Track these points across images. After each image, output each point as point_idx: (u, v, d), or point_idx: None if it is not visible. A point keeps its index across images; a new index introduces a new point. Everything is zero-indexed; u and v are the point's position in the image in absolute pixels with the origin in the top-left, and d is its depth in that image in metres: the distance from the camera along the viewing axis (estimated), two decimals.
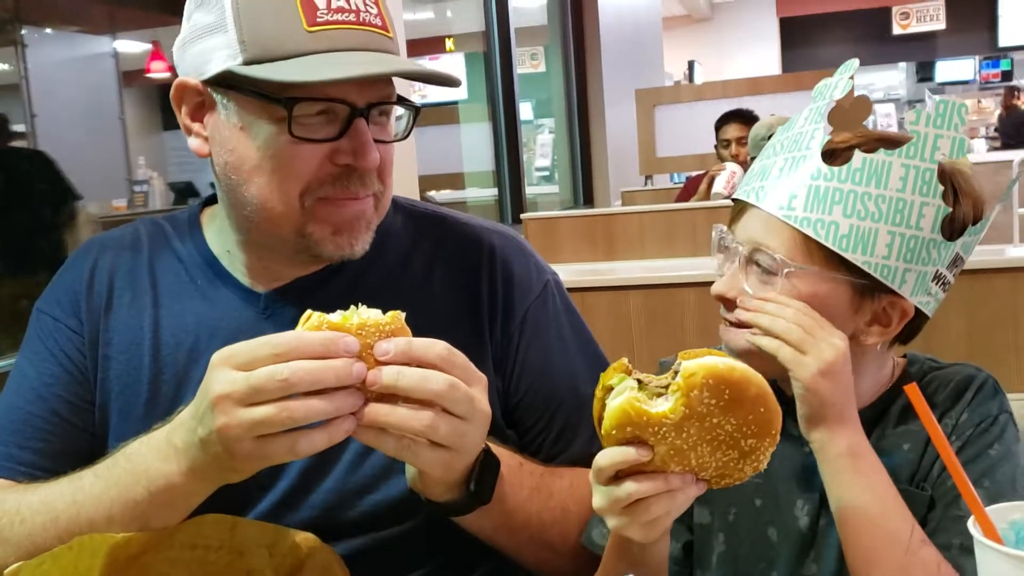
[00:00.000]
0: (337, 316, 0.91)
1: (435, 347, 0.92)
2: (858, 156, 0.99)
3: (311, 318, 0.91)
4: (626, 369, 0.89)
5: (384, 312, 0.93)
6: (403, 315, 0.93)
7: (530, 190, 7.80)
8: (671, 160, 6.46)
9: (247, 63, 1.06)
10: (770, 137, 1.15)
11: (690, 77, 12.99)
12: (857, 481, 0.98)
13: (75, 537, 0.96)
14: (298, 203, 1.10)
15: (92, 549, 0.95)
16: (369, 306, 1.21)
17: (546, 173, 8.99)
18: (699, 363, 0.85)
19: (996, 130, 12.26)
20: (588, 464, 1.22)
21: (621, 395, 0.87)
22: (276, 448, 0.89)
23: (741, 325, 1.06)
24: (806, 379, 0.98)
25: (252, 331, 1.17)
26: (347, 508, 1.14)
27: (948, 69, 15.59)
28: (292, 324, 1.19)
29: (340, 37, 1.06)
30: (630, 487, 0.88)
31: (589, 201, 7.61)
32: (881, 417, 1.11)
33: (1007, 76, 15.19)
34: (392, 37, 1.12)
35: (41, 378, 1.21)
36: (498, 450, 1.08)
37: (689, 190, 5.15)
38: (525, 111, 8.65)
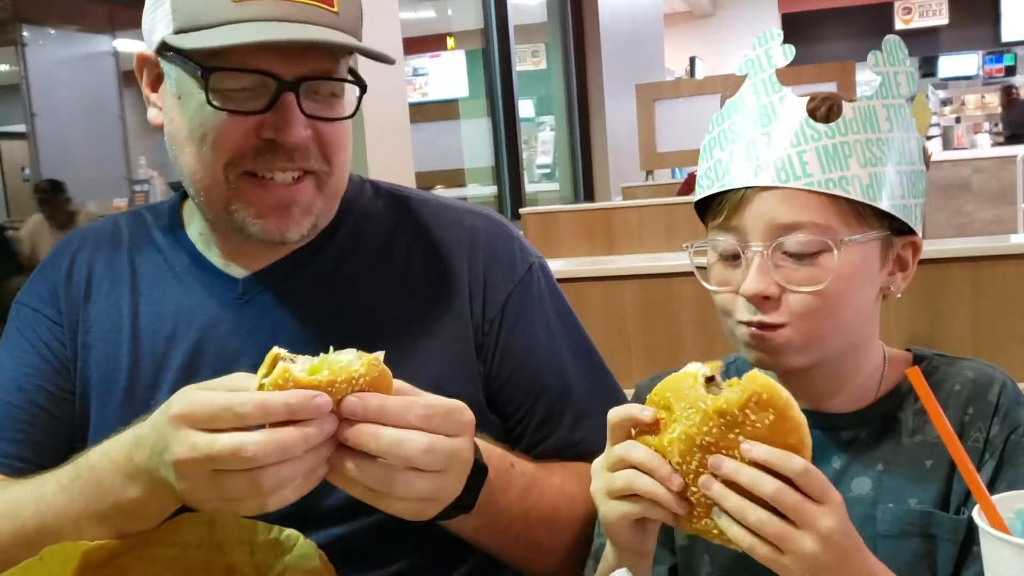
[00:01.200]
0: (303, 366, 0.85)
1: (411, 411, 0.87)
2: (847, 106, 0.96)
3: (275, 369, 0.85)
4: (717, 368, 0.88)
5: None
6: (380, 357, 0.88)
7: (531, 187, 7.78)
8: (672, 155, 6.43)
9: (176, 32, 1.05)
10: None
11: (691, 73, 12.95)
12: None
13: (44, 546, 0.93)
14: (223, 176, 1.09)
15: (63, 557, 0.92)
16: (349, 293, 1.19)
17: (548, 171, 8.97)
18: (763, 376, 0.83)
19: (998, 125, 12.20)
20: (571, 452, 1.20)
21: (691, 369, 0.88)
22: (245, 508, 0.86)
23: (765, 327, 0.96)
24: None
25: (230, 317, 1.18)
26: (324, 495, 1.12)
27: (951, 64, 15.53)
28: (270, 310, 1.17)
29: (269, 8, 1.04)
30: (629, 474, 0.87)
31: (589, 197, 7.58)
32: (891, 423, 1.02)
33: (1010, 71, 15.14)
34: (337, 12, 1.09)
35: (21, 369, 1.19)
36: (489, 452, 1.05)
37: (691, 184, 5.12)
38: (526, 108, 8.63)
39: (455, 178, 7.53)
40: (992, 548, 0.72)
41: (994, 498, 0.75)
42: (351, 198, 1.24)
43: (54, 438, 1.17)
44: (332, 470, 0.87)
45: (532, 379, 1.21)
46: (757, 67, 1.00)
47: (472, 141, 7.40)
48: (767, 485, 0.80)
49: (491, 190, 6.72)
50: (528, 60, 8.90)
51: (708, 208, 1.03)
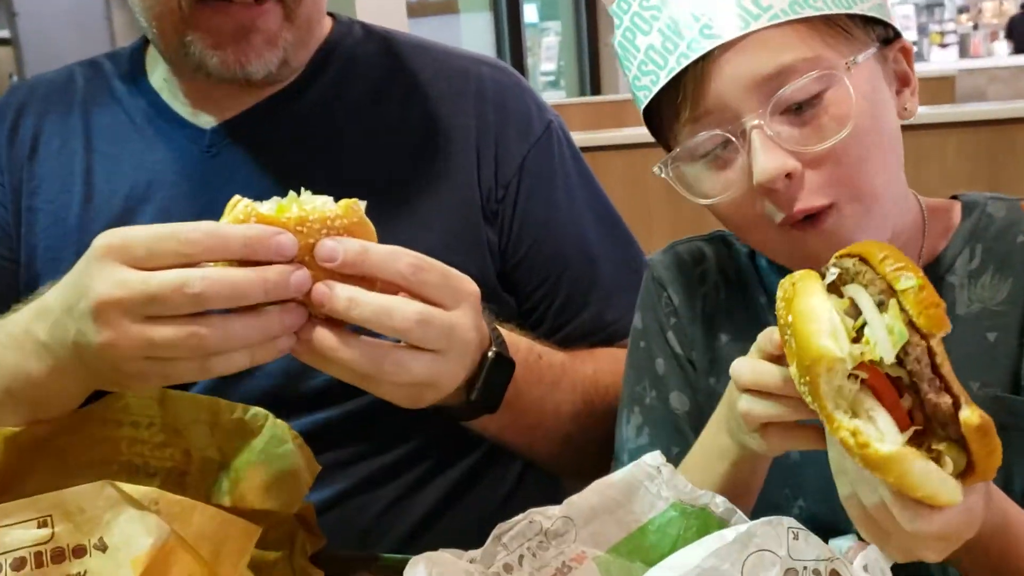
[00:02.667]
0: (270, 205, 0.70)
1: (400, 260, 0.72)
2: None
3: (237, 206, 0.70)
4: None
5: (337, 199, 0.72)
6: (362, 205, 0.73)
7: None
8: None
9: None
10: None
11: None
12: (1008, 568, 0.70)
13: None
14: (176, 3, 0.95)
15: None
16: (332, 145, 1.05)
17: (551, 78, 8.72)
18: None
19: (1009, 34, 11.75)
20: (598, 335, 1.07)
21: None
22: (181, 369, 0.70)
23: (809, 216, 0.77)
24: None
25: (196, 173, 1.04)
26: (305, 377, 0.97)
27: None
28: (241, 164, 1.04)
29: None
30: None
31: None
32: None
33: None
34: None
35: None
36: (515, 344, 0.91)
37: None
38: (530, 14, 8.33)
39: None
40: None
41: None
42: (336, 39, 1.10)
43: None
44: (304, 346, 0.71)
45: (554, 251, 1.07)
46: None
47: (471, 38, 7.12)
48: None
49: None
50: None
51: (664, 111, 0.82)
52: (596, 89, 7.47)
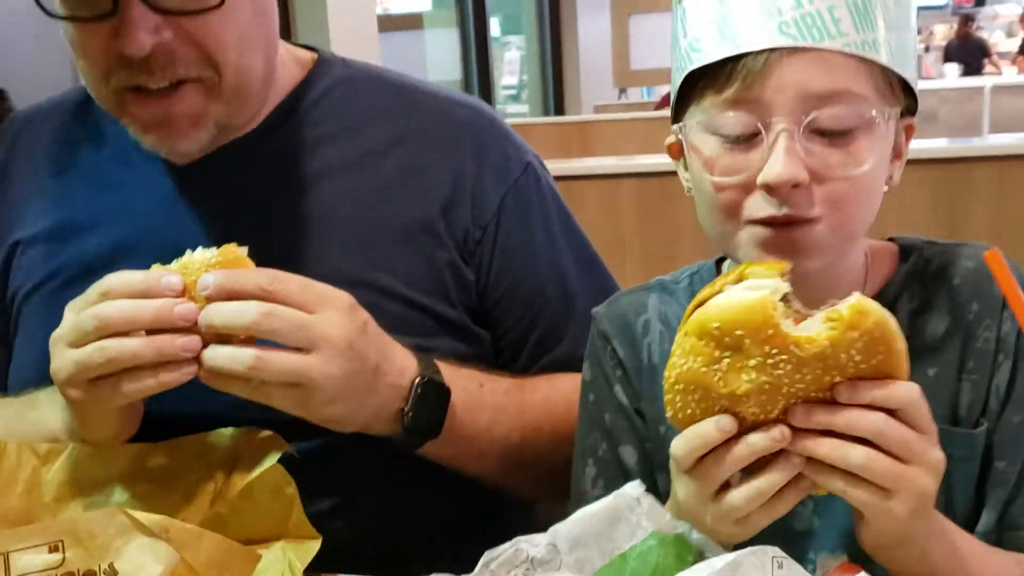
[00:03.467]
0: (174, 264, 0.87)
1: (256, 277, 0.84)
2: None
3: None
4: (783, 274, 0.70)
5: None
6: (242, 249, 0.87)
7: (498, 109, 7.58)
8: (647, 73, 6.27)
9: None
10: None
11: None
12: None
13: None
14: (108, 90, 0.97)
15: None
16: (300, 184, 1.07)
17: (513, 92, 8.77)
18: (875, 308, 0.67)
19: (945, 58, 12.02)
20: (572, 369, 1.09)
21: (759, 290, 0.68)
22: (101, 391, 0.83)
23: (793, 223, 0.81)
24: (892, 529, 0.71)
25: (169, 208, 1.06)
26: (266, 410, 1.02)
27: None
28: (211, 200, 1.06)
29: None
30: (742, 497, 0.69)
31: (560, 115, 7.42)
32: None
33: (980, 2, 15.07)
34: None
35: None
36: (453, 374, 0.97)
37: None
38: (492, 27, 8.38)
39: None
40: None
41: None
42: (312, 79, 1.11)
43: None
44: (204, 369, 0.83)
45: (533, 289, 1.10)
46: None
47: (436, 54, 7.16)
48: (873, 422, 0.67)
49: None
50: None
51: (705, 79, 0.83)
52: (559, 102, 7.53)
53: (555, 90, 7.43)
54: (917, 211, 2.15)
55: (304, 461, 0.95)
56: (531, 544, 0.76)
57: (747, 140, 0.81)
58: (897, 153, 0.87)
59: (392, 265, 1.04)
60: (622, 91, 6.86)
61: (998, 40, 14.58)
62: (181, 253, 0.88)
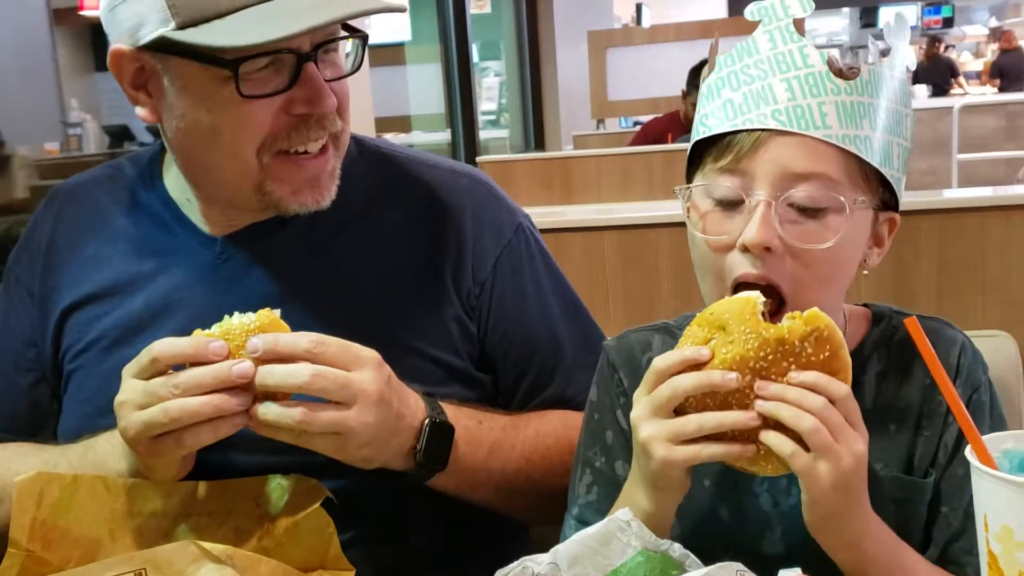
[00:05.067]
0: (216, 326, 0.98)
1: (301, 341, 0.96)
2: (865, 68, 0.94)
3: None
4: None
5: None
6: (276, 312, 0.98)
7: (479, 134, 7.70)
8: (623, 104, 6.42)
9: (181, 27, 1.01)
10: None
11: (638, 20, 12.90)
12: (867, 568, 0.90)
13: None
14: (256, 161, 1.08)
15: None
16: (328, 254, 1.19)
17: (492, 117, 8.89)
18: (827, 318, 0.87)
19: (914, 79, 12.29)
20: (560, 407, 1.23)
21: (747, 293, 0.90)
22: (165, 444, 0.95)
23: (758, 284, 0.94)
24: (816, 494, 0.86)
25: (206, 277, 1.17)
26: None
27: (890, 15, 15.64)
28: (248, 268, 1.17)
29: None
30: (695, 419, 0.87)
31: (540, 145, 7.55)
32: (854, 388, 0.92)
33: (948, 23, 15.36)
34: None
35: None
36: (455, 413, 1.09)
37: (648, 133, 5.13)
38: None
39: (401, 125, 7.43)
40: (982, 484, 0.76)
41: (983, 438, 0.79)
42: None
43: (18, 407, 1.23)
44: (252, 420, 0.96)
45: (525, 337, 1.23)
46: (772, 15, 0.97)
47: (419, 88, 7.29)
48: (816, 400, 0.84)
49: (440, 137, 6.64)
50: (472, 3, 8.77)
51: (709, 149, 0.98)
52: (539, 130, 7.66)
53: (535, 118, 7.57)
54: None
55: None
56: (535, 563, 0.88)
57: (734, 206, 0.94)
58: (877, 241, 1.01)
59: (409, 323, 1.17)
60: (600, 122, 7.01)
61: (966, 60, 14.89)
62: (219, 315, 1.00)
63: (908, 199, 2.45)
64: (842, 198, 0.92)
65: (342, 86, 1.11)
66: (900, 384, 1.02)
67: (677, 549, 0.88)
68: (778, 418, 0.85)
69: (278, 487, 1.00)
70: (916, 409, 1.01)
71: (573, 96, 7.42)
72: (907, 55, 0.99)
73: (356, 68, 1.14)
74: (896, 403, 1.01)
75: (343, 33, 1.10)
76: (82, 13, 10.22)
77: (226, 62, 1.01)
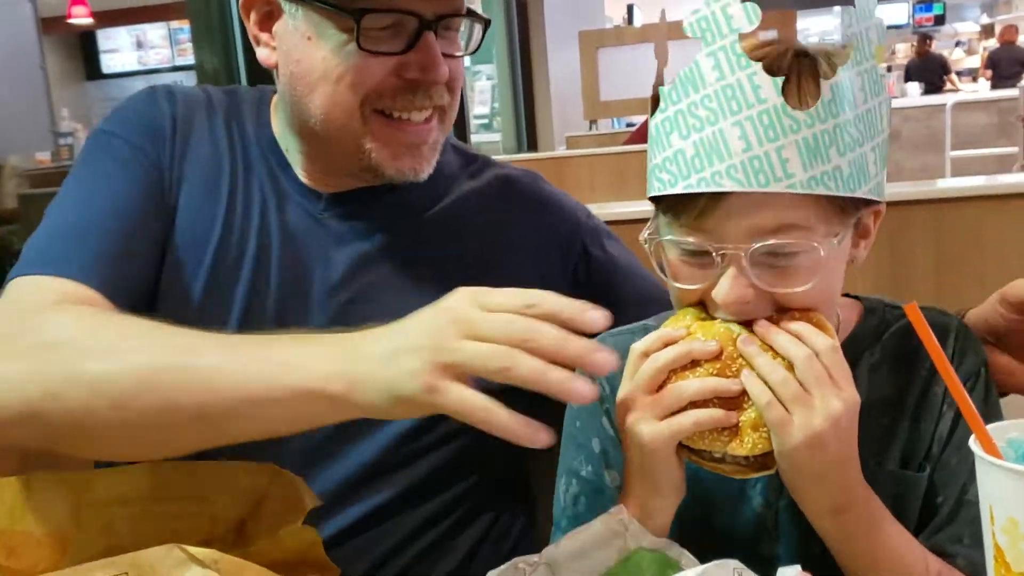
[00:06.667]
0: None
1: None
2: (824, 86, 0.84)
3: None
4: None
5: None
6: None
7: (471, 138, 7.69)
8: (616, 104, 6.41)
9: None
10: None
11: (629, 21, 12.91)
12: (849, 547, 0.89)
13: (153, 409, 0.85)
14: (359, 113, 1.08)
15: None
16: (427, 244, 1.19)
17: (484, 121, 8.88)
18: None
19: (907, 77, 12.30)
20: None
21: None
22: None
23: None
24: (786, 448, 0.83)
25: (311, 229, 1.16)
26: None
27: (882, 12, 15.54)
28: (342, 235, 1.16)
29: None
30: (679, 387, 0.86)
31: (533, 147, 7.53)
32: None
33: (939, 20, 15.38)
34: None
35: (118, 198, 1.10)
36: None
37: (643, 132, 5.10)
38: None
39: None
40: (987, 474, 0.74)
41: (987, 427, 0.77)
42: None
43: (139, 285, 1.09)
44: None
45: (633, 296, 1.24)
46: (714, 30, 0.85)
47: None
48: (799, 349, 0.84)
49: None
50: None
51: (667, 203, 0.90)
52: (532, 132, 7.65)
53: (527, 120, 7.55)
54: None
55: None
56: (527, 563, 0.86)
57: (703, 256, 0.89)
58: (863, 234, 0.96)
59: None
60: (592, 122, 7.01)
61: (959, 57, 14.93)
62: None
63: (901, 189, 2.45)
64: (815, 243, 0.86)
65: (456, 64, 1.13)
66: (894, 377, 0.99)
67: (674, 548, 0.86)
68: (754, 365, 0.85)
69: (253, 481, 0.96)
70: (913, 403, 0.99)
71: (565, 98, 7.41)
72: (876, 36, 0.90)
73: (474, 50, 1.15)
74: (890, 396, 0.99)
75: (466, 12, 1.12)
76: (70, 21, 10.20)
77: (352, 12, 1.04)
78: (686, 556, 0.86)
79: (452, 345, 0.77)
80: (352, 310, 1.12)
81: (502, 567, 0.86)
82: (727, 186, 0.84)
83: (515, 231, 1.23)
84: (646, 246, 0.94)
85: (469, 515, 1.18)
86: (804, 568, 0.78)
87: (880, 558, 0.89)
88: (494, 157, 1.39)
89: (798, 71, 0.88)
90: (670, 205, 0.90)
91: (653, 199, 0.93)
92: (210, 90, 1.25)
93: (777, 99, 0.83)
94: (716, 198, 0.86)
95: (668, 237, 0.91)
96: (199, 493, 0.96)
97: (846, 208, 0.90)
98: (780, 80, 0.84)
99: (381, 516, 1.13)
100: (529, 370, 0.75)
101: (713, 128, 0.85)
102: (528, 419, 0.77)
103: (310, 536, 0.95)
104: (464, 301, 0.79)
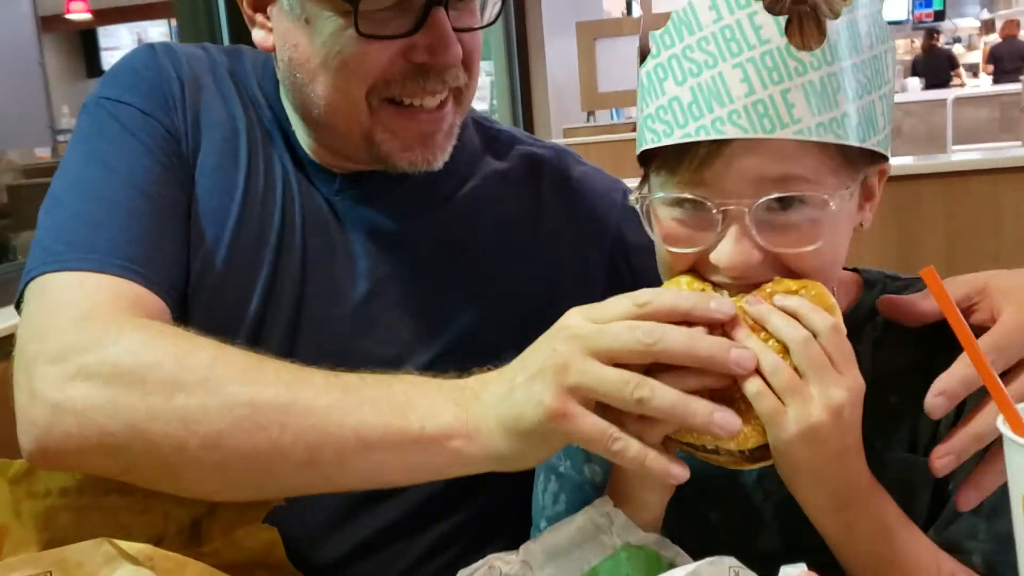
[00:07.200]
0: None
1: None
2: (832, 27, 0.78)
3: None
4: None
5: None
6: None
7: None
8: (614, 95, 6.34)
9: None
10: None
11: (628, 10, 12.83)
12: (852, 548, 0.81)
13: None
14: (365, 104, 0.99)
15: None
16: (452, 230, 1.12)
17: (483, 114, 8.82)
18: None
19: (913, 72, 12.23)
20: None
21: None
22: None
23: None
24: (781, 443, 0.75)
25: (326, 208, 1.08)
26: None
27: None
28: (364, 218, 1.08)
29: None
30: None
31: None
32: None
33: (939, 16, 15.32)
34: None
35: (141, 175, 1.00)
36: None
37: None
38: None
39: None
40: (1017, 458, 0.66)
41: (1018, 406, 0.69)
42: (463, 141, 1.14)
43: (182, 270, 1.00)
44: None
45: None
46: None
47: None
48: (795, 332, 0.75)
49: None
50: None
51: (660, 159, 0.83)
52: (529, 126, 7.59)
53: (524, 114, 7.49)
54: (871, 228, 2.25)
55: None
56: (503, 561, 0.79)
57: (699, 214, 0.81)
58: (868, 196, 0.88)
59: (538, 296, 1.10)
60: (590, 114, 6.93)
61: (959, 53, 14.86)
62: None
63: (911, 162, 2.37)
64: (824, 196, 0.79)
65: (473, 38, 1.02)
66: (899, 354, 0.92)
67: (666, 545, 0.79)
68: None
69: None
70: (920, 380, 0.88)
71: (562, 89, 7.34)
72: None
73: (493, 21, 1.05)
74: (895, 373, 0.91)
75: None
76: (68, 17, 10.15)
77: None
78: (681, 555, 0.79)
79: (577, 365, 0.71)
80: (376, 300, 1.06)
81: (475, 565, 0.79)
82: (729, 133, 0.77)
83: (546, 218, 1.15)
84: (638, 206, 0.87)
85: (482, 538, 1.08)
86: (809, 566, 0.70)
87: (887, 561, 0.81)
88: None
89: (799, 12, 0.80)
90: (665, 160, 0.82)
91: (644, 157, 0.85)
92: (210, 49, 1.15)
93: (781, 40, 0.77)
94: (716, 147, 0.78)
95: (660, 195, 0.84)
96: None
97: (855, 162, 0.83)
98: (783, 19, 0.77)
99: (390, 537, 1.05)
100: (670, 403, 0.70)
101: (712, 72, 0.78)
102: (659, 453, 0.72)
103: (269, 536, 0.89)
104: (576, 318, 0.75)
